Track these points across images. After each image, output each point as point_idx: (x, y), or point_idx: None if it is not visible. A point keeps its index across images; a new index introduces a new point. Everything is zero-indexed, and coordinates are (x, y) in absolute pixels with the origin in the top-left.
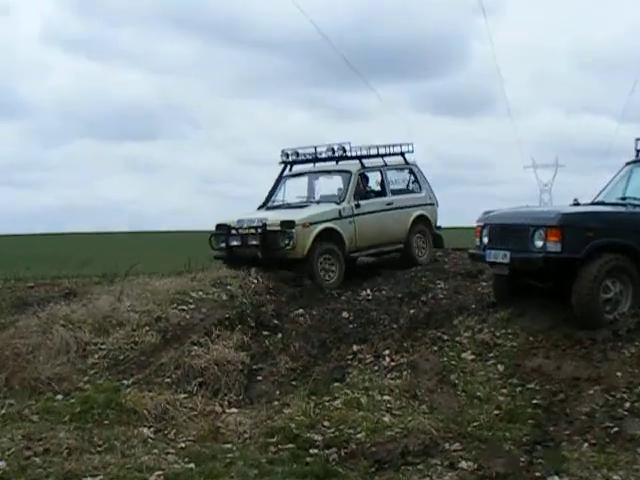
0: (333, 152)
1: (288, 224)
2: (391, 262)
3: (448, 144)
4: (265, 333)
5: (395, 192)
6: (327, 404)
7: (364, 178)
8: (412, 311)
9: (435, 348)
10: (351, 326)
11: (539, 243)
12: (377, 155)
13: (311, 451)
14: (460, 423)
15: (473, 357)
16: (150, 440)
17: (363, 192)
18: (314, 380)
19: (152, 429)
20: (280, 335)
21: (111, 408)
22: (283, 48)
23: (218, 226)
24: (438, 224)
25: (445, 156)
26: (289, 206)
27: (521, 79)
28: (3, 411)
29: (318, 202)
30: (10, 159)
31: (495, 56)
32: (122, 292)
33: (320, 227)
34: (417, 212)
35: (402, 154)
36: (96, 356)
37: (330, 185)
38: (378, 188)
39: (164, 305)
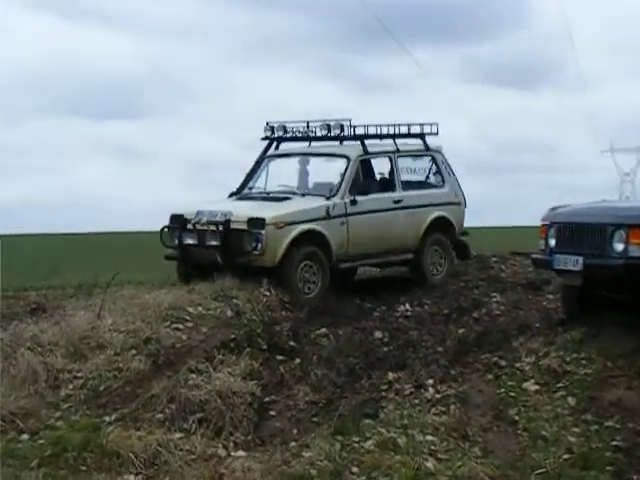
0: (329, 130)
1: (256, 223)
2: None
3: (502, 121)
4: (279, 358)
5: (408, 186)
6: (356, 446)
7: (366, 166)
8: (461, 331)
9: (490, 377)
10: (386, 349)
11: (619, 246)
12: (387, 136)
13: None
14: (521, 470)
15: (537, 388)
16: None
17: (364, 185)
18: (340, 416)
19: (140, 477)
20: (298, 360)
21: (89, 451)
22: (300, 6)
23: (173, 217)
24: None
25: (498, 137)
26: (267, 197)
27: (595, 46)
28: None
29: (303, 194)
30: None
31: (564, 12)
32: (103, 307)
33: (299, 229)
34: (435, 213)
35: (422, 136)
36: (70, 386)
37: (327, 172)
38: (385, 180)
39: (155, 323)
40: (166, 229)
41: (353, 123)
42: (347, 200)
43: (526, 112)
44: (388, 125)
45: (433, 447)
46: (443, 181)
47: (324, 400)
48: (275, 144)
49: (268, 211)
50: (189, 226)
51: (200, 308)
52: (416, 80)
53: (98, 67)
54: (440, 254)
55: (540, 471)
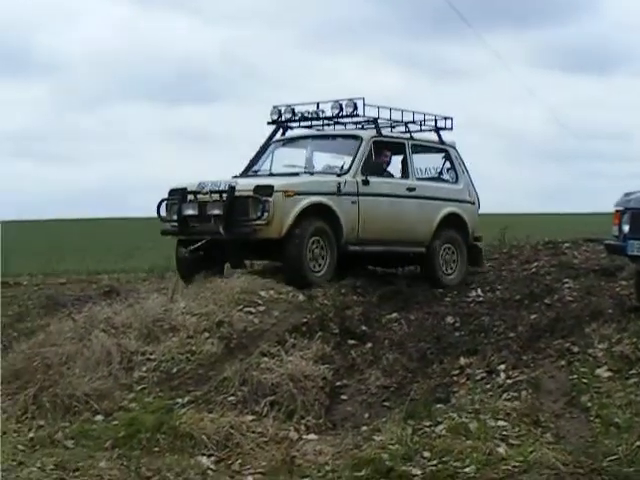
0: (340, 110)
1: (264, 189)
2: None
3: (579, 109)
4: (351, 342)
5: (421, 177)
6: (428, 430)
7: (380, 149)
8: (533, 316)
9: (562, 363)
10: (457, 334)
11: None
12: (400, 122)
13: None
14: (593, 456)
15: (610, 374)
16: (210, 472)
17: (376, 166)
18: (412, 400)
19: (212, 458)
20: (370, 345)
21: (162, 432)
22: None
23: (172, 191)
24: (477, 233)
25: (573, 124)
26: (272, 174)
27: None
28: (31, 434)
29: (312, 173)
30: (32, 127)
31: None
32: (175, 290)
33: (309, 200)
34: (448, 208)
35: (437, 130)
36: (144, 368)
37: (336, 157)
38: (398, 168)
39: (227, 307)
40: (164, 203)
41: (368, 102)
42: (359, 179)
43: (603, 99)
44: (403, 111)
45: (505, 432)
46: (457, 178)
47: (395, 384)
48: (283, 129)
49: (276, 180)
50: (189, 197)
51: (272, 292)
52: (489, 67)
53: (170, 52)
54: (453, 253)
55: (612, 458)
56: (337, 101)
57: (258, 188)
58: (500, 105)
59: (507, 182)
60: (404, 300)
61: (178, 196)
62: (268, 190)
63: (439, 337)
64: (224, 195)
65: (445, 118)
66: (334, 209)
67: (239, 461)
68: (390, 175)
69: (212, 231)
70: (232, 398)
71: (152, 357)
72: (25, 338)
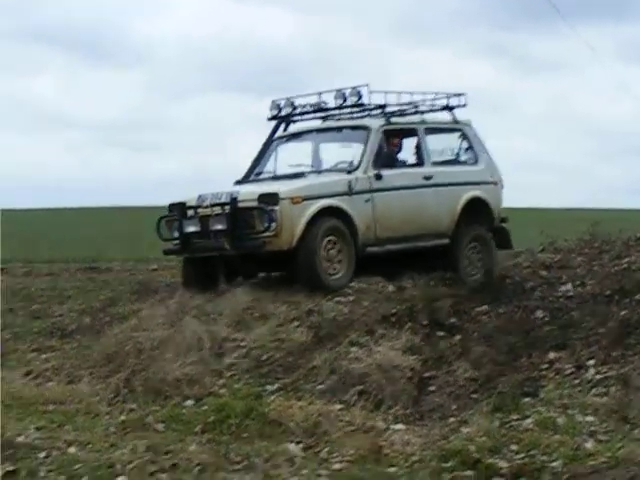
0: (344, 100)
1: (269, 198)
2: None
3: None
4: (440, 334)
5: (437, 161)
6: (515, 423)
7: (390, 138)
8: (623, 312)
9: None
10: (547, 328)
11: None
12: (410, 106)
13: None
14: None
15: None
16: (298, 459)
17: (388, 158)
18: (500, 393)
19: (300, 445)
20: (458, 337)
21: (251, 418)
22: None
23: (171, 206)
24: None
25: None
26: (276, 177)
27: None
28: (123, 417)
29: (319, 172)
30: (124, 117)
31: None
32: (267, 279)
33: (319, 204)
34: (470, 193)
35: (449, 108)
36: (234, 355)
37: (344, 150)
38: (412, 155)
39: (317, 296)
40: (163, 220)
41: (374, 89)
42: (371, 174)
43: None
44: (410, 92)
45: (593, 428)
46: (476, 158)
47: (483, 377)
48: (284, 124)
49: (281, 186)
50: (190, 212)
51: (362, 283)
52: (581, 60)
53: (261, 42)
54: (479, 251)
55: None
56: (340, 90)
57: (262, 197)
58: (591, 99)
59: (597, 177)
60: (494, 293)
61: (177, 212)
62: (273, 198)
63: (528, 331)
64: (226, 207)
65: (458, 95)
66: (347, 211)
67: (327, 449)
68: (403, 164)
69: (217, 247)
70: (321, 387)
71: (242, 344)
72: (117, 322)
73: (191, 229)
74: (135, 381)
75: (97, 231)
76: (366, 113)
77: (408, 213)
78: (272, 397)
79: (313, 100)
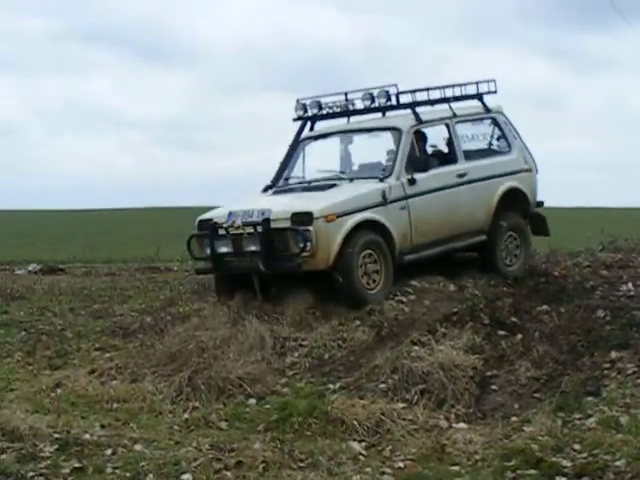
0: (372, 100)
1: (302, 218)
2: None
3: None
4: (501, 333)
5: (470, 156)
6: (578, 423)
7: (421, 137)
8: None
9: None
10: (608, 328)
11: None
12: (440, 101)
13: (558, 479)
14: None
15: None
16: (361, 457)
17: (421, 160)
18: (562, 393)
19: (364, 444)
20: (520, 336)
21: (314, 417)
22: None
23: (201, 223)
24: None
25: None
26: (308, 187)
27: None
28: (186, 415)
29: (351, 179)
30: (179, 116)
31: None
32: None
33: (353, 220)
34: (506, 184)
35: (479, 97)
36: (296, 354)
37: (373, 150)
38: (443, 150)
39: None
40: (194, 238)
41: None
42: (404, 180)
43: None
44: (440, 87)
45: None
46: (509, 146)
47: (545, 376)
48: (310, 124)
49: (314, 203)
50: (221, 231)
51: (424, 282)
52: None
53: (309, 41)
54: (516, 241)
55: None
56: (367, 91)
57: (295, 216)
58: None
59: None
60: (554, 292)
61: (208, 231)
62: (307, 217)
63: (590, 330)
64: (258, 227)
65: (487, 82)
66: (383, 222)
67: (389, 447)
68: (435, 163)
69: (251, 267)
70: (383, 385)
71: (304, 343)
72: (179, 322)
73: (223, 249)
74: (198, 380)
75: (154, 231)
76: (394, 113)
77: (444, 215)
78: (334, 396)
79: (340, 100)
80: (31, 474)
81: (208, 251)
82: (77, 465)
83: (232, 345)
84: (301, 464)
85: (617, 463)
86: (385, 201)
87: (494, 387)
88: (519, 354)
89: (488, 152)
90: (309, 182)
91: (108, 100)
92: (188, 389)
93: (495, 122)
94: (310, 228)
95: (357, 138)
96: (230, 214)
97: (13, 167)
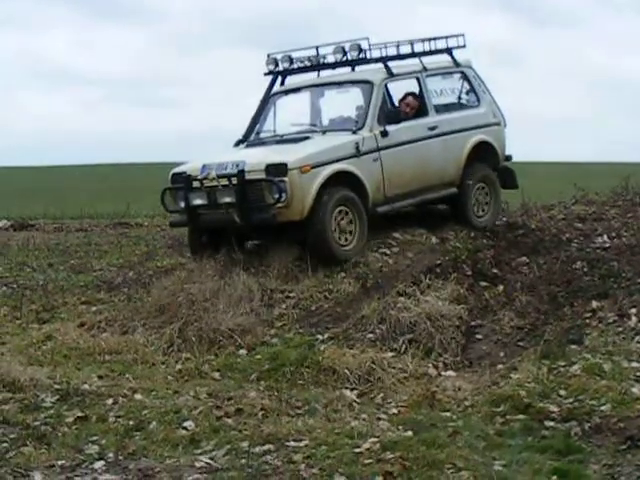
0: (344, 54)
1: (277, 169)
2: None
3: None
4: (483, 284)
5: (441, 109)
6: (563, 370)
7: (400, 103)
8: None
9: None
10: (587, 279)
11: None
12: (411, 55)
13: (547, 424)
14: None
15: None
16: (355, 404)
17: (393, 112)
18: (546, 341)
19: (355, 392)
20: (501, 287)
21: (306, 366)
22: None
23: (174, 176)
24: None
25: None
26: (281, 140)
27: None
28: (179, 366)
29: (324, 132)
30: (141, 72)
31: None
32: None
33: (328, 170)
34: (476, 137)
35: (449, 51)
36: (284, 306)
37: (344, 104)
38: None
39: (362, 248)
40: (168, 191)
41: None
42: (377, 132)
43: None
44: (409, 42)
45: (638, 373)
46: (478, 100)
47: (529, 325)
48: (281, 78)
49: (288, 154)
50: (195, 184)
51: (406, 234)
52: (597, 13)
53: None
54: (486, 192)
55: None
56: (339, 45)
57: (270, 167)
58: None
59: (625, 131)
60: (532, 245)
61: (182, 184)
62: (282, 169)
63: (569, 281)
64: (233, 179)
65: (457, 36)
66: (356, 174)
67: (381, 395)
68: (406, 115)
69: (226, 220)
70: (371, 335)
71: (291, 295)
72: (163, 275)
73: (198, 202)
74: (188, 331)
75: (121, 186)
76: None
77: (416, 167)
78: (324, 346)
79: (311, 54)
80: (36, 423)
81: (182, 204)
82: (80, 414)
83: (221, 297)
84: (298, 411)
85: (602, 408)
86: (358, 153)
87: (479, 336)
88: (502, 304)
89: (458, 106)
90: (282, 135)
91: (67, 57)
92: (179, 341)
93: (464, 76)
94: (285, 179)
95: (328, 92)
96: (204, 167)
97: None
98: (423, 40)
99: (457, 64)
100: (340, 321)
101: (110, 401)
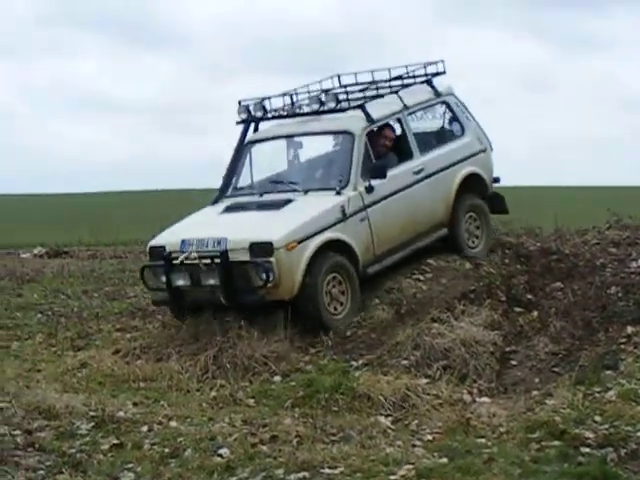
0: (320, 104)
1: (262, 248)
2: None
3: None
4: (518, 310)
5: (424, 147)
6: (598, 396)
7: (375, 137)
8: None
9: None
10: (621, 304)
11: None
12: (389, 93)
13: (582, 450)
14: None
15: None
16: (390, 431)
17: (377, 164)
18: (581, 367)
19: (390, 418)
20: (536, 312)
21: (340, 393)
22: None
23: (152, 250)
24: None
25: None
26: (261, 204)
27: None
28: (214, 393)
29: (306, 191)
30: (166, 99)
31: None
32: None
33: (316, 242)
34: (463, 171)
35: (428, 81)
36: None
37: (323, 155)
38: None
39: (397, 274)
40: (147, 269)
41: (342, 79)
42: (362, 189)
43: None
44: (386, 69)
45: None
46: (462, 129)
47: (563, 351)
48: (254, 125)
49: (272, 228)
50: (176, 262)
51: (440, 260)
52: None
53: (294, 23)
54: (477, 222)
55: None
56: (315, 95)
57: (255, 247)
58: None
59: None
60: (566, 270)
61: (162, 260)
62: (267, 248)
63: (604, 306)
64: (215, 260)
65: (435, 63)
66: (345, 240)
67: (416, 421)
68: (390, 157)
69: (212, 300)
70: (405, 362)
71: None
72: None
73: (180, 282)
74: (223, 358)
75: (152, 213)
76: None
77: (405, 217)
78: (358, 373)
79: (286, 102)
80: (71, 451)
81: (164, 281)
82: (115, 442)
83: (255, 325)
84: (333, 438)
85: (638, 434)
86: (344, 217)
87: (514, 362)
88: (536, 330)
89: (442, 138)
90: (261, 194)
91: (99, 84)
92: (214, 368)
93: (447, 105)
94: (271, 259)
95: (307, 142)
96: (183, 242)
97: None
98: (399, 67)
99: (438, 94)
100: (374, 347)
101: (145, 428)
